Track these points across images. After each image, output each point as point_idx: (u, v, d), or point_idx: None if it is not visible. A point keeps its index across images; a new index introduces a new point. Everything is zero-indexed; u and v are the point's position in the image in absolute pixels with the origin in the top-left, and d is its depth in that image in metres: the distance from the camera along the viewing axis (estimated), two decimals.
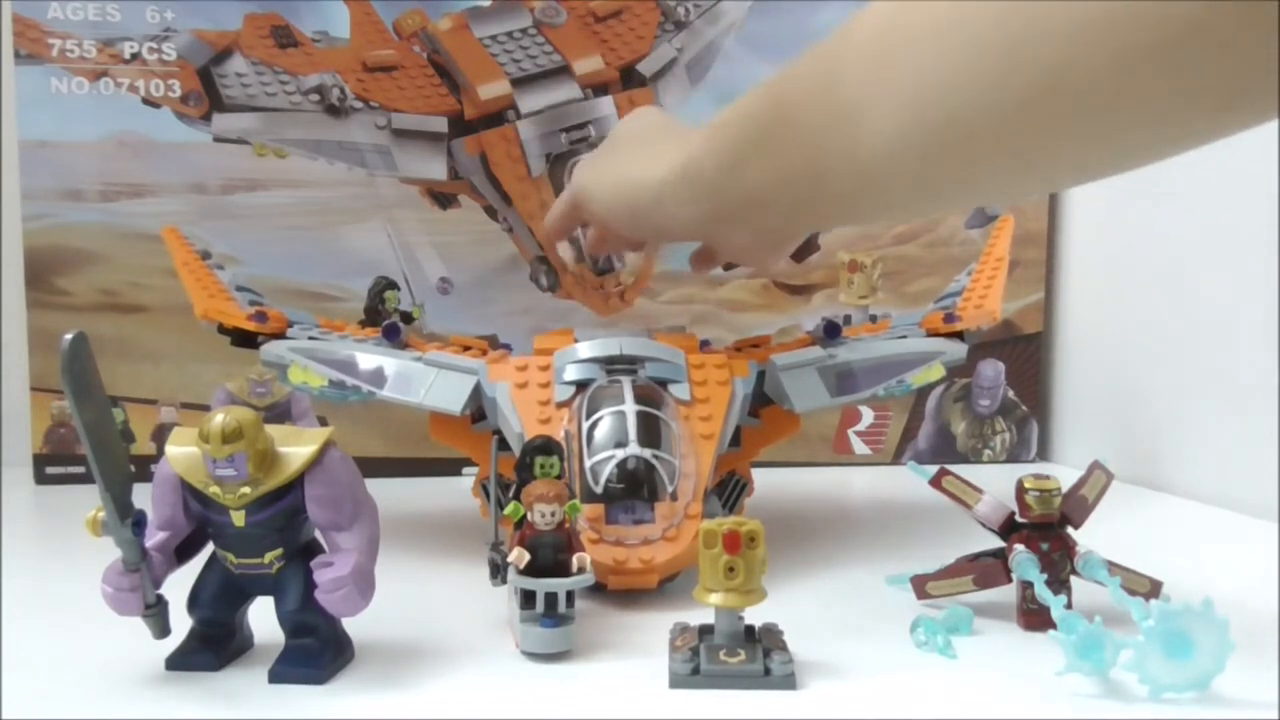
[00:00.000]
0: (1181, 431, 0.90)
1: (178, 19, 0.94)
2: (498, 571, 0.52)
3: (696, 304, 1.01)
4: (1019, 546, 0.55)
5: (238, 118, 0.95)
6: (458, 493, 0.78)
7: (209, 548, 0.51)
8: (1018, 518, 0.57)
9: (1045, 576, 0.54)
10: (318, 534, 0.51)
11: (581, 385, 0.66)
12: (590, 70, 0.97)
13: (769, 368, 0.71)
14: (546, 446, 0.56)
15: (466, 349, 0.73)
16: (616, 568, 0.59)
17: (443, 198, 0.98)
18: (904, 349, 0.75)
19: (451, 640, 0.54)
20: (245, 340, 0.74)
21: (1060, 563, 0.55)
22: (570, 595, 0.52)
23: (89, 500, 0.47)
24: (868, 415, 1.03)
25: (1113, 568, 0.55)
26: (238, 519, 0.48)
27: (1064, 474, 0.58)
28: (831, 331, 0.74)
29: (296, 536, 0.50)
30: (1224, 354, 0.85)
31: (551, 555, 0.52)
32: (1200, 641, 0.46)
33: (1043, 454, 1.05)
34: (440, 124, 0.96)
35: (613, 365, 0.67)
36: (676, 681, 0.49)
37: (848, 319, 0.99)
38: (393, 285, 0.98)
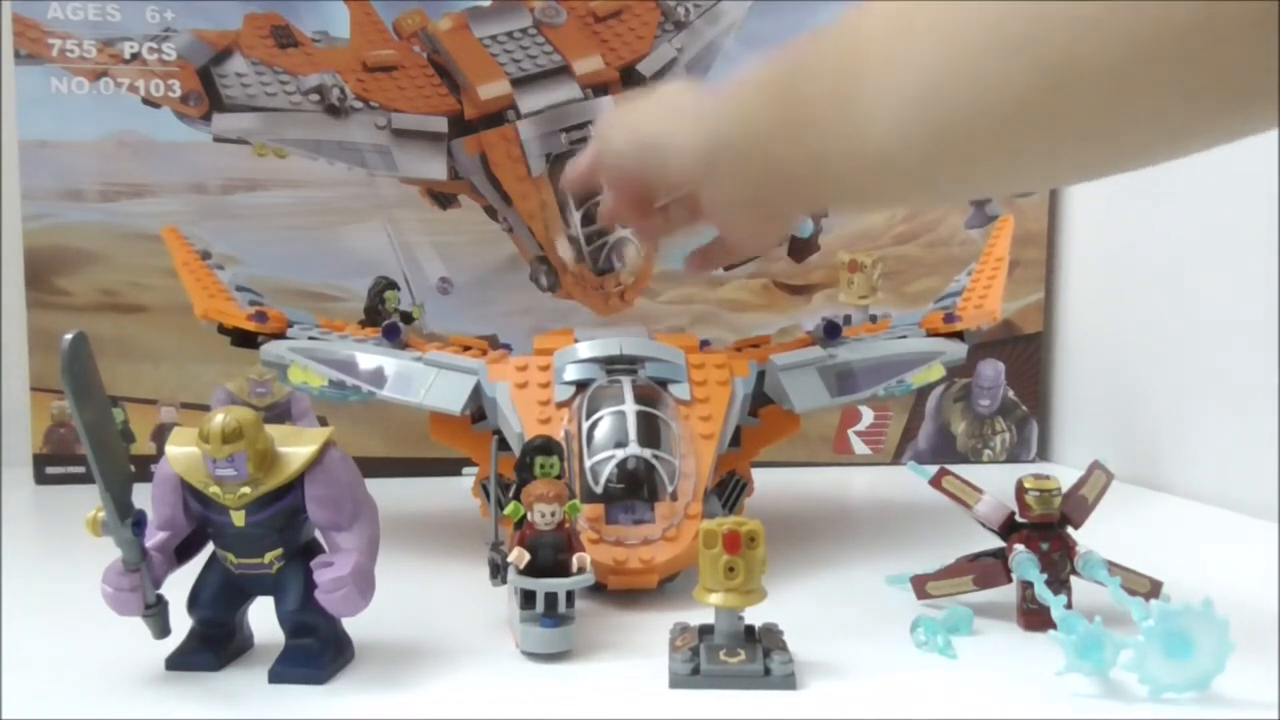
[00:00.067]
0: (1181, 431, 0.90)
1: (178, 19, 0.94)
2: (498, 571, 0.52)
3: (696, 304, 1.01)
4: (1019, 546, 0.55)
5: (238, 118, 0.95)
6: (458, 493, 0.78)
7: (209, 548, 0.51)
8: (1018, 518, 0.57)
9: (1045, 576, 0.54)
10: (318, 534, 0.51)
11: (581, 385, 0.66)
12: (590, 70, 0.97)
13: (769, 368, 0.71)
14: (546, 446, 0.56)
15: (466, 349, 0.73)
16: (616, 568, 0.59)
17: (443, 198, 0.98)
18: (904, 349, 0.75)
19: (451, 640, 0.54)
20: (245, 340, 0.74)
21: (1060, 563, 0.55)
22: (570, 595, 0.52)
23: (89, 500, 0.47)
24: (868, 415, 1.03)
25: (1113, 568, 0.55)
26: (238, 519, 0.48)
27: (1064, 474, 0.58)
28: (831, 331, 0.74)
29: (296, 536, 0.50)
30: (1224, 354, 0.85)
31: (551, 555, 0.52)
32: (1200, 641, 0.46)
33: (1043, 454, 1.05)
34: (440, 124, 0.96)
35: (613, 365, 0.67)
36: (676, 681, 0.49)
37: (848, 319, 0.99)
38: (393, 285, 0.98)
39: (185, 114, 0.95)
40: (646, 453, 0.61)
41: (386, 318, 0.95)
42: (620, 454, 0.61)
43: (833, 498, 0.94)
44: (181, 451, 0.49)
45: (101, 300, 0.96)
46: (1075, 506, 0.57)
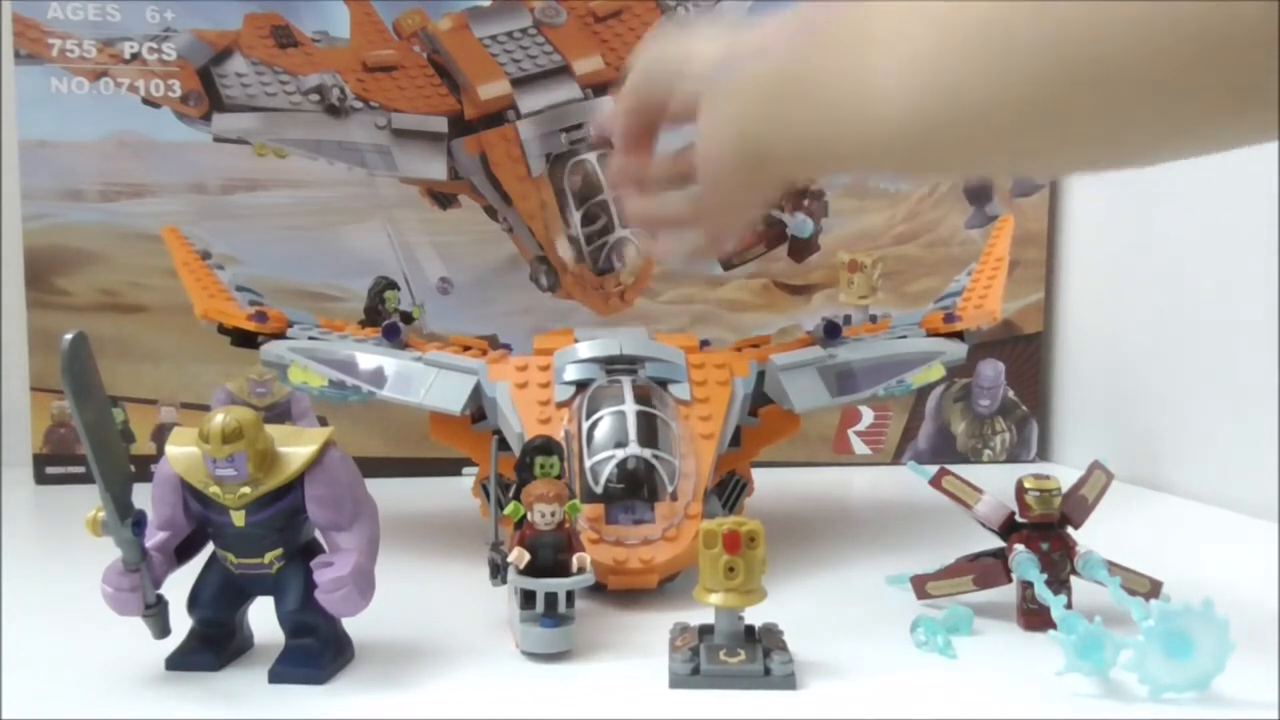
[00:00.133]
0: (1181, 431, 0.90)
1: (178, 19, 0.94)
2: (498, 571, 0.52)
3: (696, 304, 1.01)
4: (1019, 546, 0.55)
5: (238, 118, 0.95)
6: (458, 493, 0.78)
7: (209, 548, 0.51)
8: (1018, 518, 0.57)
9: (1045, 576, 0.54)
10: (318, 534, 0.51)
11: (581, 385, 0.66)
12: (590, 70, 0.97)
13: (769, 368, 0.71)
14: (546, 446, 0.56)
15: (466, 349, 0.73)
16: (616, 568, 0.59)
17: (443, 198, 0.98)
18: (904, 349, 0.75)
19: (451, 640, 0.54)
20: (245, 340, 0.74)
21: (1060, 563, 0.55)
22: (570, 595, 0.52)
23: (89, 500, 0.47)
24: (868, 415, 1.03)
25: (1113, 568, 0.55)
26: (238, 519, 0.48)
27: (1064, 474, 0.58)
28: (831, 331, 0.74)
29: (296, 536, 0.50)
30: (1224, 354, 0.85)
31: (551, 555, 0.52)
32: (1200, 641, 0.46)
33: (1043, 454, 1.05)
34: (440, 124, 0.96)
35: (613, 365, 0.67)
36: (676, 681, 0.49)
37: (848, 319, 0.99)
38: (393, 285, 0.98)
39: (185, 114, 0.95)
40: (646, 453, 0.61)
41: (386, 318, 0.95)
42: (620, 454, 0.61)
43: (833, 498, 0.94)
44: (181, 451, 0.49)
45: (101, 300, 0.96)
46: (1075, 506, 0.57)
